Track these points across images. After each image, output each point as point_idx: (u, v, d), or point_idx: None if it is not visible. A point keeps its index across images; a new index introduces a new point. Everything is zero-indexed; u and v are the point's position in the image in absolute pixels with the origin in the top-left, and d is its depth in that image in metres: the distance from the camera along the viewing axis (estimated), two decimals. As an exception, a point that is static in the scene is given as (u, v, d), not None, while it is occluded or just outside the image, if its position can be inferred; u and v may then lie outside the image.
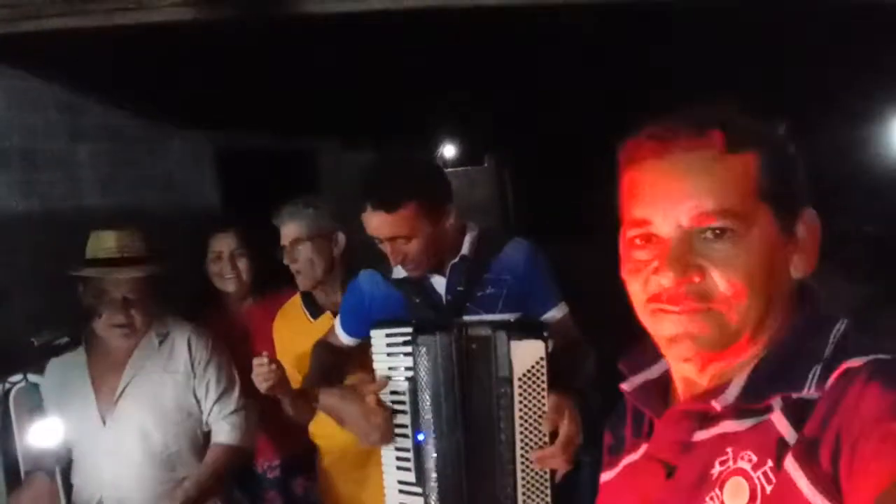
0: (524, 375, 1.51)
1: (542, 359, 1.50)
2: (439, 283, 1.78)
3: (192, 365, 2.19)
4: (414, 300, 1.77)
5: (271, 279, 2.60)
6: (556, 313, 1.77)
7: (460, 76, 3.66)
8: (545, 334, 1.53)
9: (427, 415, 1.61)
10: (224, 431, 2.21)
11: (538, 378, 1.50)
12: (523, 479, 1.52)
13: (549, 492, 1.53)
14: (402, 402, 1.66)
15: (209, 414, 2.21)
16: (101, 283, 2.09)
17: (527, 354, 1.51)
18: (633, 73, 3.85)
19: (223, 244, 2.58)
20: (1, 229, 2.76)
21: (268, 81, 3.47)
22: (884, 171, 4.92)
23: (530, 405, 1.51)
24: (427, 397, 1.60)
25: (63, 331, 2.05)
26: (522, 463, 1.52)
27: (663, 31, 3.04)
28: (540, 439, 1.52)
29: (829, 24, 2.82)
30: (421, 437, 1.61)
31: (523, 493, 1.52)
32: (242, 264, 2.58)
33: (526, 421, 1.52)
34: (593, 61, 3.55)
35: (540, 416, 1.51)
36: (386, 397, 1.69)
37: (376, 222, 1.67)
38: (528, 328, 1.56)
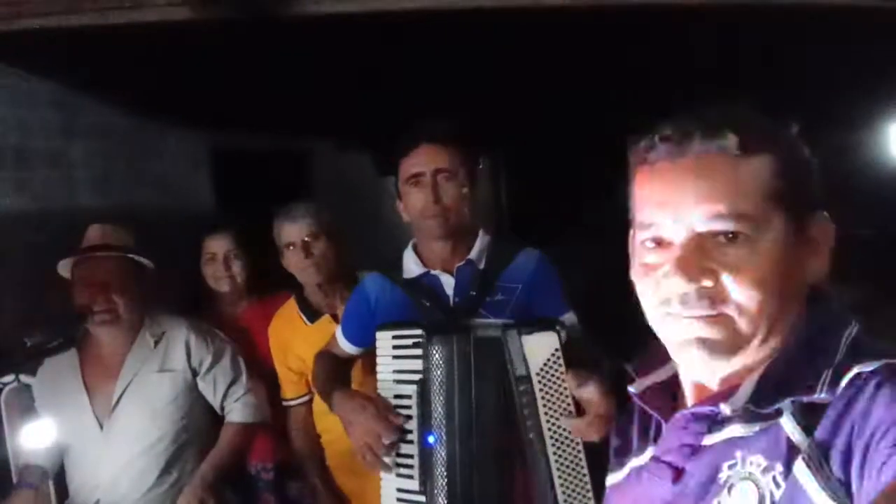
0: (542, 370, 1.46)
1: (556, 350, 1.46)
2: (448, 283, 1.75)
3: (192, 366, 2.17)
4: (423, 303, 1.72)
5: (267, 281, 2.59)
6: (565, 319, 1.73)
7: (457, 77, 3.65)
8: (557, 327, 1.49)
9: (438, 417, 1.53)
10: (236, 410, 2.22)
11: (556, 370, 1.46)
12: (559, 474, 1.45)
13: (587, 483, 1.46)
14: (407, 407, 1.59)
15: (221, 403, 2.23)
16: (84, 271, 2.08)
17: (541, 348, 1.47)
18: (630, 75, 3.86)
19: (217, 246, 2.56)
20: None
21: (263, 82, 3.45)
22: (881, 173, 4.94)
23: (553, 398, 1.46)
24: (441, 399, 1.53)
25: (56, 332, 2.04)
26: (556, 458, 1.46)
27: (664, 32, 3.05)
28: (569, 434, 1.46)
29: (829, 25, 2.83)
30: (431, 439, 1.54)
31: (561, 488, 1.45)
32: (236, 266, 2.56)
33: (550, 416, 1.46)
34: (592, 61, 3.56)
35: (565, 408, 1.45)
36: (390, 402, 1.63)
37: (424, 157, 1.70)
38: (537, 323, 1.52)
